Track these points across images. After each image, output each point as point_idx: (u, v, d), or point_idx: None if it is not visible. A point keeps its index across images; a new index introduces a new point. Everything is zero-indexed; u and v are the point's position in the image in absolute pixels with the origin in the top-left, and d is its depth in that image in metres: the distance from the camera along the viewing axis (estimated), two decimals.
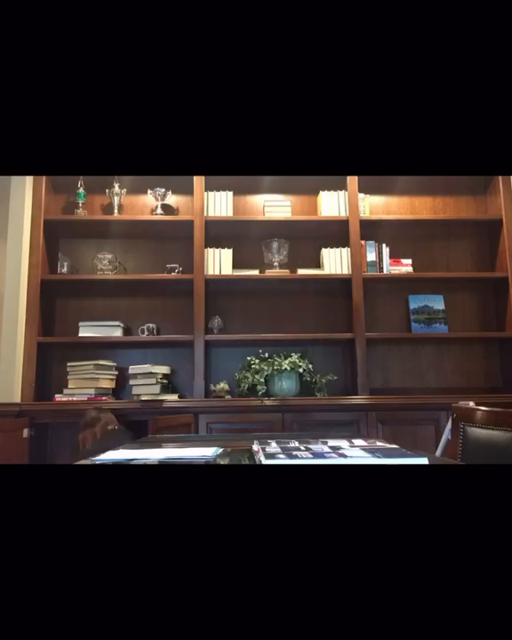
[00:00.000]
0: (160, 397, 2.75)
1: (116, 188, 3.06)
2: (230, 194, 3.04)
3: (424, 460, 0.95)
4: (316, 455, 1.01)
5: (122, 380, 2.93)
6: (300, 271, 3.02)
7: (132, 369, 2.83)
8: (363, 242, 2.99)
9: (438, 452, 1.79)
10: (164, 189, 3.05)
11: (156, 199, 3.06)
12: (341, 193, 3.05)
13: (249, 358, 2.88)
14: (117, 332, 2.90)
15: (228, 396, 2.82)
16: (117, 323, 2.93)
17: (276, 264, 3.00)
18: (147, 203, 3.16)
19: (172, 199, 3.19)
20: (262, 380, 2.76)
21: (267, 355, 2.86)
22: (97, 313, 3.03)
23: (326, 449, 1.12)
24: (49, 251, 3.00)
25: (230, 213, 3.02)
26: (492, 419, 1.38)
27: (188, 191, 3.07)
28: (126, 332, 2.98)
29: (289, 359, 2.79)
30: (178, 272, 3.00)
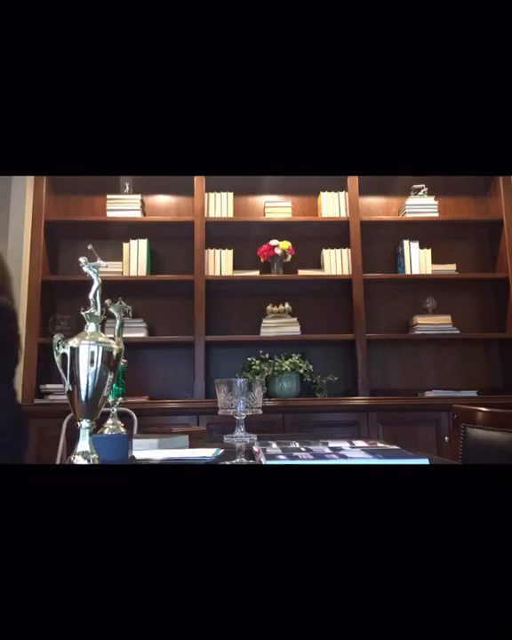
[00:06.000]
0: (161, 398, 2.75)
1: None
2: (231, 195, 3.04)
3: (425, 461, 0.94)
4: (317, 456, 1.01)
5: None
6: (301, 272, 3.02)
7: None
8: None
9: None
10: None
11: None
12: (342, 194, 3.05)
13: (249, 359, 2.88)
14: (141, 333, 2.90)
15: None
16: (141, 322, 2.93)
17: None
18: (148, 203, 3.16)
19: (172, 200, 3.19)
20: (263, 380, 2.75)
21: (267, 355, 2.86)
22: None
23: (327, 450, 1.12)
24: (50, 252, 3.01)
25: (231, 214, 3.02)
26: (493, 419, 1.37)
27: (189, 192, 3.07)
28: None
29: (289, 360, 2.79)
30: (178, 273, 3.01)
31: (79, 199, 3.19)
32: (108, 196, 3.04)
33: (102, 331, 1.11)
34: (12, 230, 2.87)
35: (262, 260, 3.03)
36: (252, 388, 1.14)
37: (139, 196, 3.04)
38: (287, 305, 2.98)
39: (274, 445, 1.23)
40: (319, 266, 3.08)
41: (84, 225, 3.05)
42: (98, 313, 1.10)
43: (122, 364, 1.37)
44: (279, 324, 2.93)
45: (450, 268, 3.05)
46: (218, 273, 2.96)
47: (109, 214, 3.01)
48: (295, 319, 2.95)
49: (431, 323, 2.95)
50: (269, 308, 2.98)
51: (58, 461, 2.30)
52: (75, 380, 1.02)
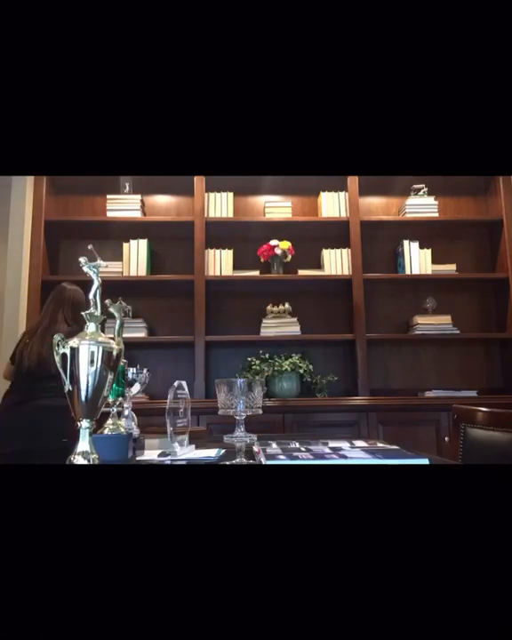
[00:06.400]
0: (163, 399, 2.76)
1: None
2: (231, 195, 3.04)
3: (425, 461, 0.94)
4: (317, 456, 1.01)
5: None
6: (301, 272, 3.02)
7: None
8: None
9: None
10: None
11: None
12: (342, 194, 3.05)
13: (249, 359, 2.88)
14: (142, 333, 2.91)
15: None
16: (141, 322, 2.93)
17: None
18: (148, 203, 3.16)
19: (172, 200, 3.20)
20: (263, 380, 2.75)
21: (267, 355, 2.86)
22: None
23: (327, 450, 1.12)
24: (50, 252, 3.01)
25: (231, 214, 3.02)
26: (493, 419, 1.37)
27: (189, 192, 3.07)
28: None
29: (289, 360, 2.79)
30: (178, 273, 3.01)
31: (79, 199, 3.19)
32: (108, 196, 3.04)
33: (102, 331, 1.11)
34: (12, 230, 2.87)
35: (262, 259, 3.03)
36: (252, 388, 1.14)
37: (139, 196, 3.04)
38: (287, 305, 2.98)
39: (274, 445, 1.23)
40: (319, 266, 3.08)
41: (84, 225, 3.05)
42: (98, 313, 1.10)
43: (122, 364, 1.37)
44: (279, 324, 2.93)
45: (450, 267, 3.05)
46: (218, 273, 2.96)
47: (109, 214, 3.01)
48: (295, 319, 2.95)
49: (431, 323, 2.95)
50: (269, 307, 2.98)
51: None
52: (75, 380, 1.02)
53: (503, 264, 3.02)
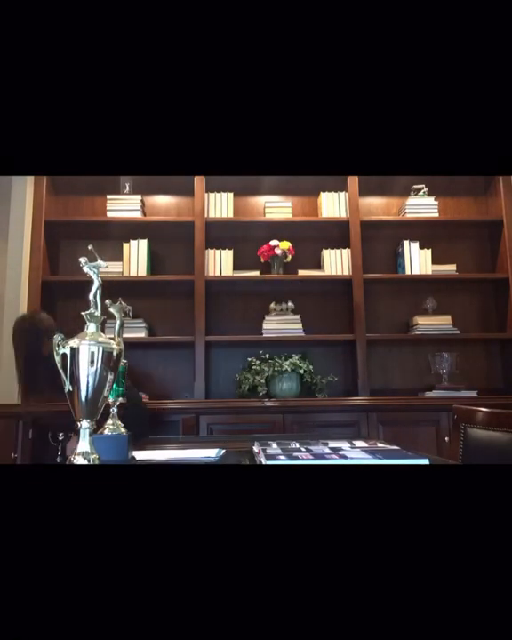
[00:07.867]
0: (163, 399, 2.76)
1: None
2: (231, 195, 3.04)
3: (425, 461, 0.94)
4: (317, 456, 1.01)
5: None
6: (301, 272, 3.02)
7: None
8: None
9: None
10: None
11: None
12: (342, 194, 3.05)
13: (249, 359, 2.88)
14: (142, 333, 2.91)
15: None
16: (141, 322, 2.93)
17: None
18: (148, 204, 3.16)
19: (172, 200, 3.20)
20: (263, 381, 2.75)
21: (267, 356, 2.86)
22: None
23: (327, 450, 1.12)
24: (50, 252, 3.01)
25: (231, 214, 3.02)
26: (493, 420, 1.37)
27: (189, 192, 3.07)
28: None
29: (289, 360, 2.79)
30: (178, 273, 3.01)
31: (79, 199, 3.19)
32: (108, 196, 3.04)
33: (102, 331, 1.11)
34: (12, 230, 2.87)
35: (262, 260, 3.03)
36: None
37: (139, 196, 3.04)
38: (290, 303, 2.98)
39: (274, 445, 1.23)
40: (319, 266, 3.08)
41: (84, 225, 3.05)
42: (98, 313, 1.10)
43: (122, 364, 1.37)
44: (281, 322, 2.93)
45: (450, 268, 3.05)
46: (218, 273, 2.96)
47: (109, 214, 3.01)
48: (298, 317, 2.95)
49: (431, 323, 2.95)
50: (272, 305, 2.98)
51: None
52: (75, 380, 1.02)
53: (503, 264, 3.02)
